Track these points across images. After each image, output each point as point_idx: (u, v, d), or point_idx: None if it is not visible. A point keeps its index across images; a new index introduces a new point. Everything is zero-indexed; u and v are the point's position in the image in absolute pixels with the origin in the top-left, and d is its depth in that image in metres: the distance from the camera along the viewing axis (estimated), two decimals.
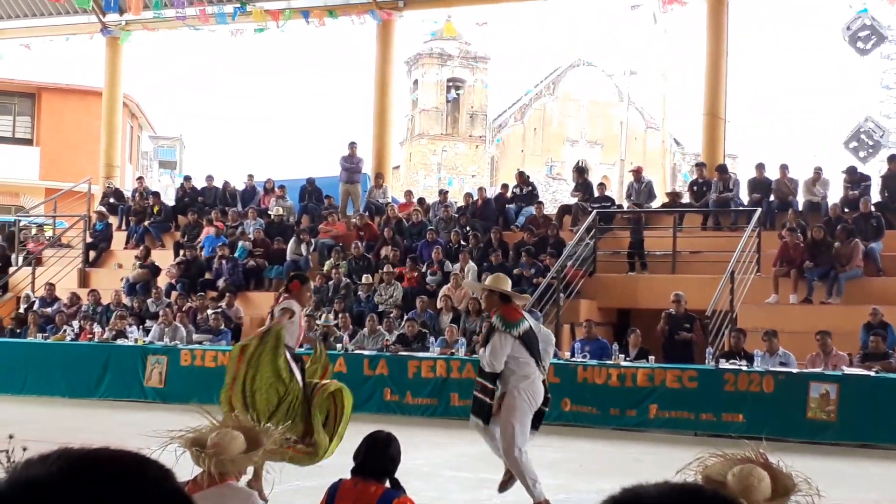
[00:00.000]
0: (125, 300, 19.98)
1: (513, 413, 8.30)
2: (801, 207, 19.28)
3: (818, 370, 13.61)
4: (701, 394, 13.72)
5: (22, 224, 26.47)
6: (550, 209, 23.82)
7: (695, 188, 20.77)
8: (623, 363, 14.42)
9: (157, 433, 4.86)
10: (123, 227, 24.21)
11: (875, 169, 29.69)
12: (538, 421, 8.58)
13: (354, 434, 5.34)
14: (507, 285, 8.66)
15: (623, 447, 12.35)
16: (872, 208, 18.13)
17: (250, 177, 24.66)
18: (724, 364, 13.96)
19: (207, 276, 20.62)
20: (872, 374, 13.32)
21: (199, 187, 24.76)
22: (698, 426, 13.56)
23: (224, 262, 20.43)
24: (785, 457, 4.41)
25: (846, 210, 18.66)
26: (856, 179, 19.59)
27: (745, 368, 13.70)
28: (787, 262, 17.17)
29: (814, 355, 14.06)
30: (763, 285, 17.18)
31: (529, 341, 8.39)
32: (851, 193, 19.08)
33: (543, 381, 8.56)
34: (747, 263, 17.34)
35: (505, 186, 22.99)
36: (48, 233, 26.76)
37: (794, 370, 13.65)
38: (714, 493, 1.22)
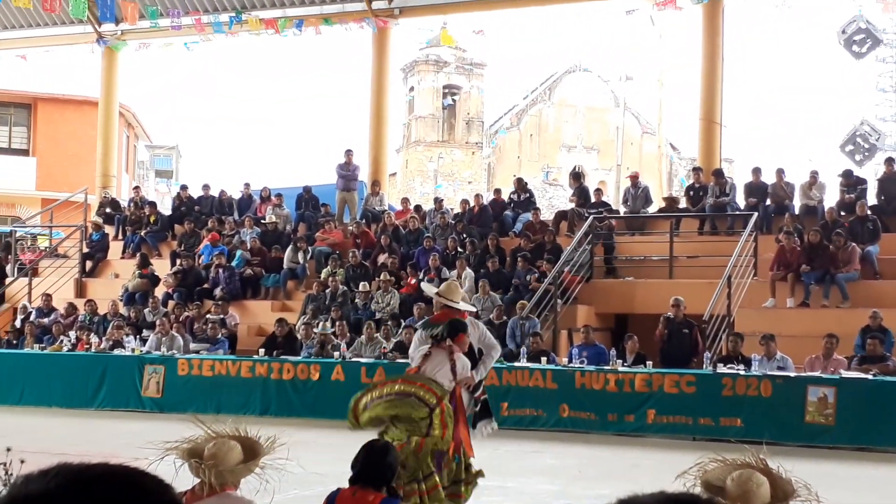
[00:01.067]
0: (122, 310, 19.96)
1: None
2: (797, 211, 19.30)
3: (816, 374, 13.61)
4: (699, 398, 13.71)
5: (18, 234, 26.44)
6: (547, 215, 23.82)
7: (691, 193, 20.79)
8: (621, 368, 14.42)
9: (153, 444, 4.85)
10: (120, 236, 24.20)
11: (871, 172, 29.76)
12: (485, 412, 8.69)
13: (352, 442, 5.33)
14: (455, 294, 8.81)
15: (621, 453, 12.35)
16: (868, 212, 18.15)
17: (246, 185, 24.69)
18: (721, 368, 13.96)
19: (205, 285, 20.61)
20: (870, 377, 13.32)
21: (195, 196, 24.77)
22: (696, 431, 13.55)
23: (221, 270, 20.42)
24: (783, 460, 4.41)
25: (842, 213, 18.67)
26: (852, 183, 19.62)
27: (742, 373, 13.69)
28: (784, 266, 17.18)
29: (812, 358, 14.06)
30: (760, 289, 17.18)
31: None
32: (848, 197, 19.10)
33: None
34: (744, 268, 17.35)
35: (498, 191, 23.01)
36: (44, 243, 26.74)
37: (792, 374, 13.66)
38: (709, 501, 1.22)
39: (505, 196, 22.50)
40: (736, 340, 14.63)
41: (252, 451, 5.09)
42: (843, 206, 18.97)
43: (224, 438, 5.05)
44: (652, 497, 1.21)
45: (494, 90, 65.27)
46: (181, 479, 4.65)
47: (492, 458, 11.60)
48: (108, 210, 25.17)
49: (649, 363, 14.63)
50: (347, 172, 23.27)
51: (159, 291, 20.73)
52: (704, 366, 14.31)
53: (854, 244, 17.09)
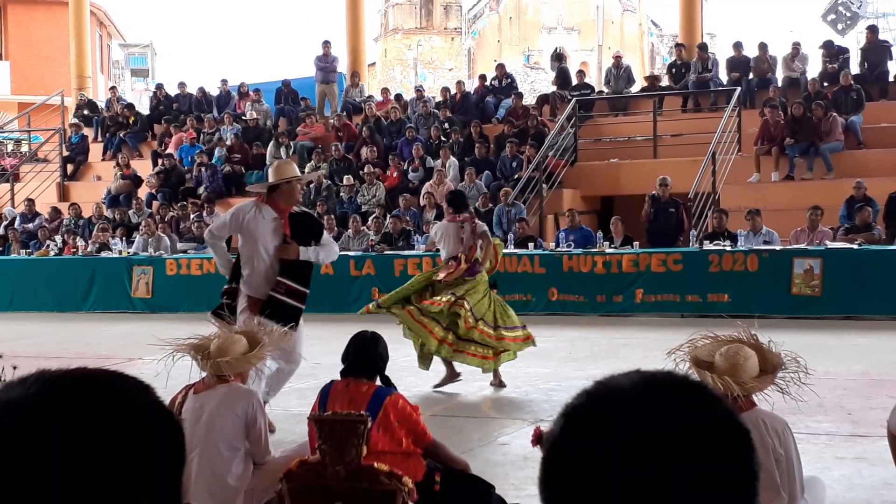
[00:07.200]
0: (106, 212, 19.89)
1: None
2: (780, 84, 19.16)
3: (802, 246, 13.69)
4: (686, 276, 13.80)
5: None
6: (529, 99, 23.63)
7: (673, 70, 20.62)
8: (608, 250, 14.46)
9: (159, 342, 4.91)
10: (99, 138, 23.98)
11: (853, 41, 29.53)
12: None
13: (341, 335, 5.36)
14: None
15: (611, 333, 12.48)
16: (852, 81, 18.03)
17: (224, 82, 24.35)
18: (708, 245, 14.02)
19: (188, 184, 20.49)
20: (855, 246, 13.41)
21: (172, 94, 24.47)
22: (684, 308, 13.67)
23: (203, 169, 20.29)
24: (771, 333, 4.45)
25: (825, 84, 18.57)
26: (834, 53, 19.46)
27: (729, 248, 13.77)
28: (768, 139, 17.14)
29: (798, 231, 14.12)
30: (745, 165, 17.18)
31: None
32: (830, 67, 18.97)
33: None
34: (728, 143, 17.31)
35: (483, 78, 22.76)
36: (24, 148, 26.49)
37: (778, 247, 13.74)
38: (684, 378, 1.22)
39: (488, 82, 22.28)
40: (721, 216, 14.66)
41: (256, 342, 5.19)
42: (825, 77, 18.85)
43: (229, 333, 5.14)
44: (627, 378, 1.20)
45: None
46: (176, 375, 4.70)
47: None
48: (85, 112, 24.89)
49: (636, 244, 14.68)
50: (326, 64, 22.95)
51: (142, 192, 20.63)
52: (691, 243, 14.39)
53: (837, 115, 17.02)
